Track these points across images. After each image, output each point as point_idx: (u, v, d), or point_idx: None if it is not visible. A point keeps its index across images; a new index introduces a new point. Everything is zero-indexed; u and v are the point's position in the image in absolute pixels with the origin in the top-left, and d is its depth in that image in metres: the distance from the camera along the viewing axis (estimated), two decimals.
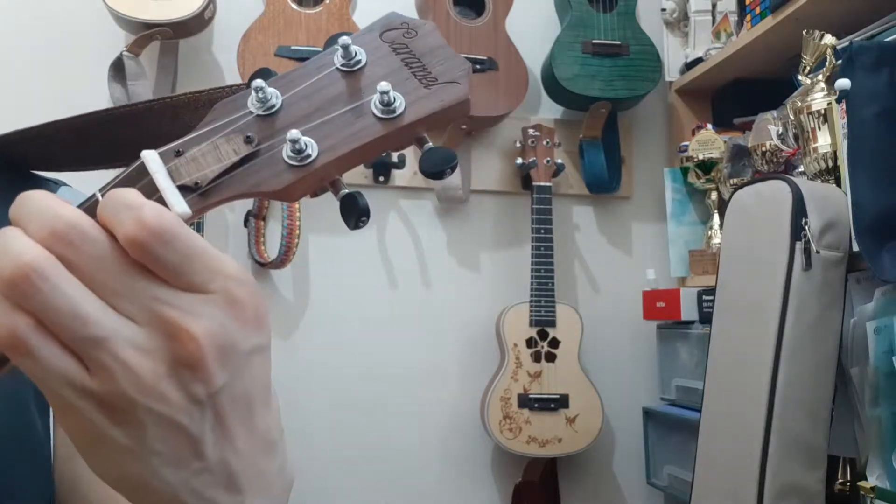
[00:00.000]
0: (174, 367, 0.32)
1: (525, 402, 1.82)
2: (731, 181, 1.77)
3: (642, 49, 1.94)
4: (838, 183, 1.33)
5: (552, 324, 1.85)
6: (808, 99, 1.40)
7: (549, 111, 2.07)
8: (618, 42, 1.92)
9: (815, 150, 1.37)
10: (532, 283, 1.85)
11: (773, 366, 1.22)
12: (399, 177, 1.96)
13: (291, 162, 0.37)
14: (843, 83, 1.24)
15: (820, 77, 1.39)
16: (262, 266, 1.84)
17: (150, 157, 0.36)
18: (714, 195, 1.90)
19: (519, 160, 1.93)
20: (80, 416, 0.32)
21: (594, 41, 1.91)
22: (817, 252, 1.23)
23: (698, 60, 1.93)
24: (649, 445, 1.88)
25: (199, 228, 1.72)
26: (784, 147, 1.58)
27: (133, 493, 0.34)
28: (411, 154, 1.91)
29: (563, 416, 1.83)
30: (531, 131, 1.92)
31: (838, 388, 1.26)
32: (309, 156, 0.37)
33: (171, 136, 0.37)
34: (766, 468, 1.21)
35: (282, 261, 1.79)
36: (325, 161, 0.38)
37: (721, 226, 1.54)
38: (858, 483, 1.22)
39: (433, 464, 1.95)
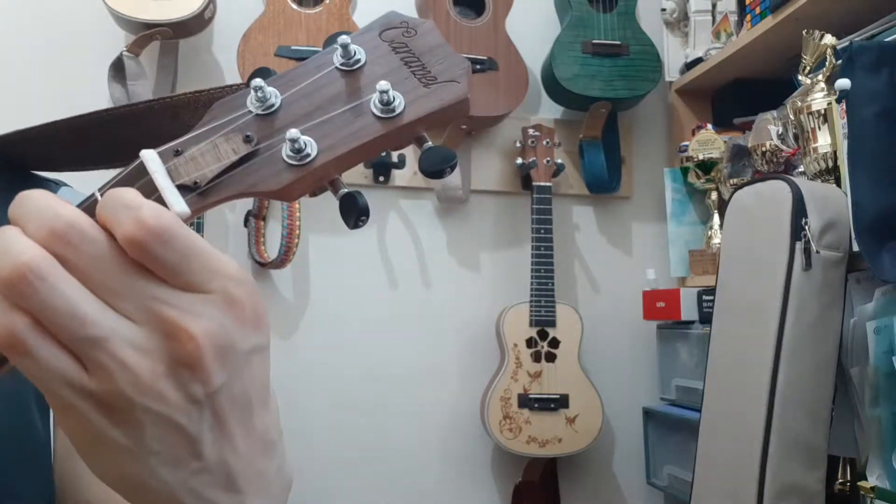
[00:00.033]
0: (173, 366, 0.32)
1: (525, 402, 1.81)
2: (731, 181, 1.77)
3: (642, 49, 1.94)
4: (838, 183, 1.33)
5: (552, 324, 1.85)
6: (808, 99, 1.39)
7: (549, 111, 2.07)
8: (618, 42, 1.92)
9: (815, 150, 1.37)
10: (532, 283, 1.85)
11: (773, 366, 1.22)
12: (399, 177, 1.96)
13: (291, 161, 0.37)
14: (843, 83, 1.24)
15: (820, 77, 1.39)
16: (262, 266, 1.84)
17: (149, 157, 0.36)
18: (714, 195, 1.89)
19: (519, 160, 1.93)
20: (79, 416, 0.32)
21: (594, 41, 1.91)
22: (817, 252, 1.23)
23: (698, 60, 1.93)
24: (649, 445, 1.88)
25: (198, 228, 1.72)
26: (784, 147, 1.58)
27: (132, 493, 0.34)
28: (411, 154, 1.91)
29: (563, 416, 1.83)
30: (531, 131, 1.92)
31: (838, 388, 1.26)
32: (308, 155, 0.37)
33: (171, 136, 0.37)
34: (766, 468, 1.21)
35: (282, 261, 1.79)
36: (325, 160, 0.38)
37: (721, 226, 1.54)
38: (858, 483, 1.22)
39: (433, 464, 1.95)
